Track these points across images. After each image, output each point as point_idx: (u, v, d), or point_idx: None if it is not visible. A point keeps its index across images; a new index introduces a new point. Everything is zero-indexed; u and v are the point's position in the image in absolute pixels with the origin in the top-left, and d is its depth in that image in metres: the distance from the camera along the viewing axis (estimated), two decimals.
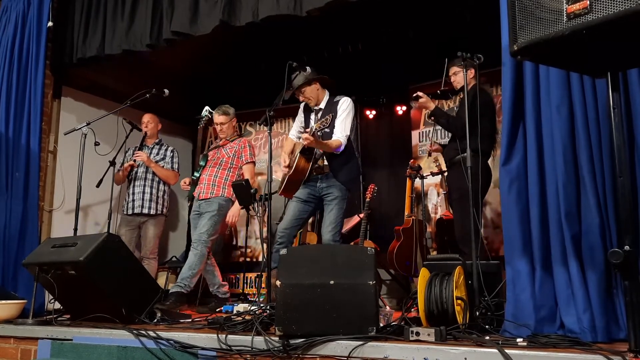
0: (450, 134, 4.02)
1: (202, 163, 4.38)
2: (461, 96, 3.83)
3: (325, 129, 3.60)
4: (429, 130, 5.41)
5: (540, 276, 2.33)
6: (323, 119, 3.58)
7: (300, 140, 3.60)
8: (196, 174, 4.31)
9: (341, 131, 3.60)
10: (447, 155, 3.92)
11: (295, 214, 3.68)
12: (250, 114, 6.14)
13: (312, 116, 3.81)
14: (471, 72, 3.70)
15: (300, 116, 3.93)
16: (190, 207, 4.45)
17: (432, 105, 3.68)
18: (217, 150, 4.42)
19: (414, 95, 3.63)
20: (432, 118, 3.75)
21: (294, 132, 3.97)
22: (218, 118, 4.38)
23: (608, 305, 2.18)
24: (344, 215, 3.76)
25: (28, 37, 4.38)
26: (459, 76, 3.73)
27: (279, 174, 4.00)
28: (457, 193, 3.64)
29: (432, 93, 3.81)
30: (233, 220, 4.20)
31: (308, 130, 3.54)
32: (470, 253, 2.72)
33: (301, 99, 3.79)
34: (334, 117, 3.64)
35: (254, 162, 4.44)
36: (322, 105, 3.76)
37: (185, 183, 4.39)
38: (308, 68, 3.68)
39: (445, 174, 4.78)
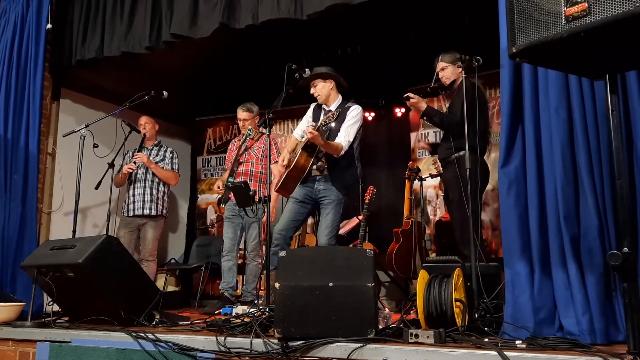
0: (442, 133, 3.99)
1: (234, 168, 4.40)
2: (454, 93, 3.80)
3: (330, 123, 3.60)
4: (427, 133, 5.42)
5: (539, 278, 2.33)
6: (329, 114, 3.58)
7: (304, 138, 3.59)
8: (231, 179, 4.32)
9: (345, 136, 3.59)
10: (441, 155, 3.87)
11: (291, 215, 3.68)
12: None
13: (322, 117, 3.80)
14: (458, 67, 3.66)
15: (309, 115, 3.91)
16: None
17: (423, 105, 3.66)
18: (246, 153, 4.45)
19: (405, 96, 3.61)
20: (425, 118, 3.72)
21: (299, 131, 3.91)
22: (242, 114, 4.51)
23: (607, 308, 2.18)
24: (341, 218, 3.76)
25: (27, 38, 4.38)
26: (447, 71, 3.70)
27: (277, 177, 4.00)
28: (455, 194, 3.60)
29: (423, 92, 3.78)
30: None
31: (313, 124, 3.54)
32: (469, 255, 2.71)
33: (312, 91, 3.78)
34: (341, 120, 3.64)
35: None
36: (333, 108, 3.75)
37: (218, 187, 4.48)
38: (307, 70, 3.67)
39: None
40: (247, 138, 4.41)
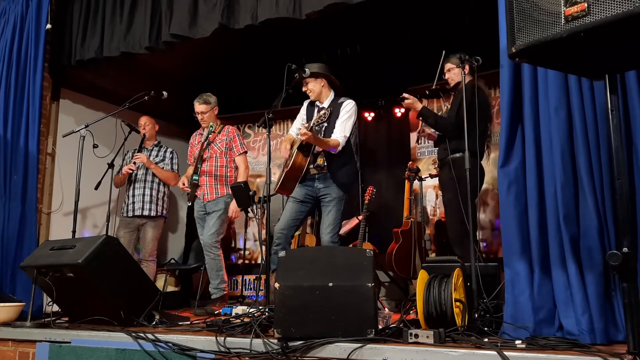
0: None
1: (198, 165, 4.35)
2: (454, 94, 3.81)
3: (323, 123, 3.61)
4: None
5: (538, 278, 2.33)
6: (321, 113, 3.59)
7: (299, 136, 3.59)
8: (195, 177, 4.28)
9: (340, 131, 3.60)
10: (438, 155, 3.90)
11: (292, 214, 3.68)
12: (249, 116, 6.15)
13: (315, 114, 3.80)
14: (465, 70, 3.67)
15: (303, 113, 3.91)
16: (191, 207, 4.47)
17: (419, 106, 3.69)
18: (209, 148, 4.38)
19: (400, 97, 3.63)
20: (420, 118, 3.75)
21: (294, 129, 3.92)
22: (199, 107, 4.34)
23: (606, 307, 2.18)
24: (343, 216, 3.76)
25: (26, 39, 4.38)
26: (453, 73, 3.72)
27: (277, 176, 4.00)
28: (449, 194, 3.61)
29: (421, 93, 3.79)
30: (235, 215, 4.25)
31: (306, 125, 3.54)
32: (462, 255, 2.72)
33: (304, 89, 3.79)
34: (335, 116, 3.64)
35: (246, 152, 4.45)
36: (326, 105, 3.75)
37: (184, 185, 4.37)
38: (307, 69, 3.68)
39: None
40: (210, 134, 4.31)
